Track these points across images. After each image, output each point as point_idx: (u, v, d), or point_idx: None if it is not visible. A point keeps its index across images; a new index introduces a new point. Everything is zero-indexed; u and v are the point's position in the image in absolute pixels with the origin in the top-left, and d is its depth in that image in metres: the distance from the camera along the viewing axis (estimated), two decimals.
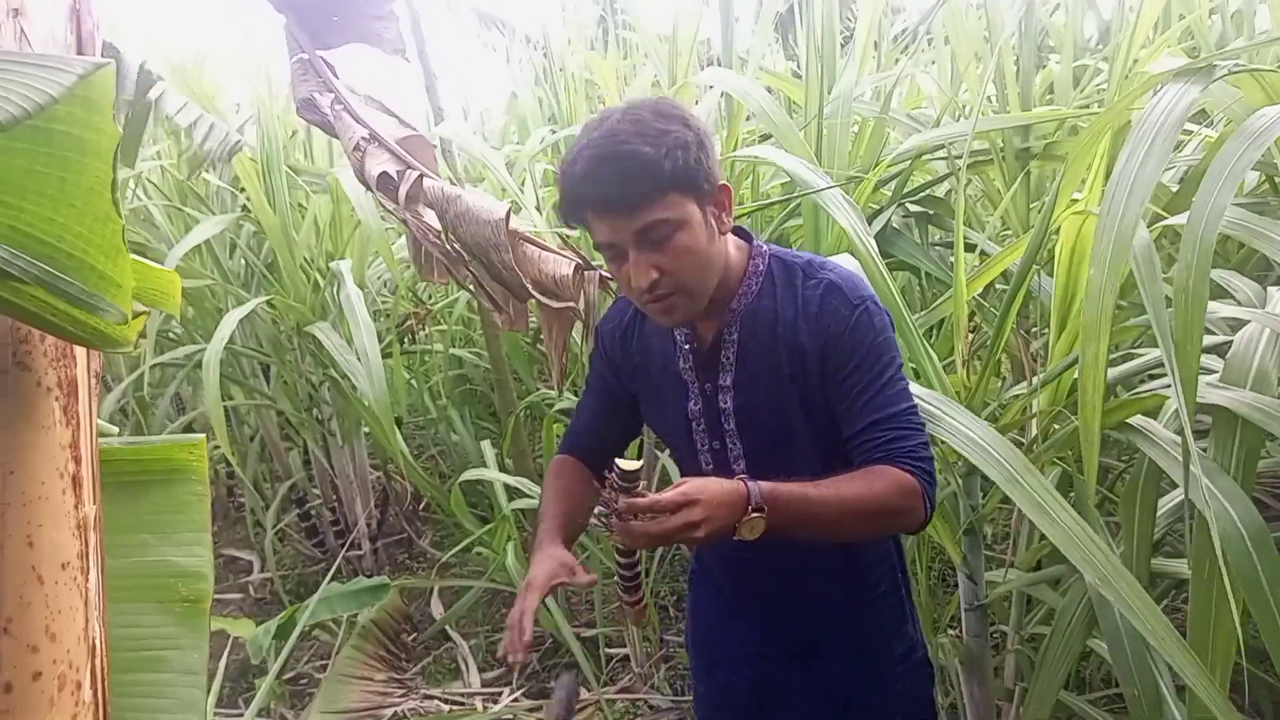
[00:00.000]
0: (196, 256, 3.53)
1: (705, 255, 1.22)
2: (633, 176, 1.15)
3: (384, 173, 1.69)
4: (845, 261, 1.68)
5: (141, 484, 0.75)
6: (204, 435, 0.66)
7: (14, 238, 0.62)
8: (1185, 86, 1.16)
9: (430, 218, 1.66)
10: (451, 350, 4.34)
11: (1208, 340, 1.67)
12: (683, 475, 1.48)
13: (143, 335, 3.52)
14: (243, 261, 3.77)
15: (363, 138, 1.72)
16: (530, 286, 1.73)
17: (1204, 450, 1.32)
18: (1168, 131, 1.13)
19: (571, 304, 1.68)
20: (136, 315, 0.71)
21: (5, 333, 0.74)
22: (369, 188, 1.70)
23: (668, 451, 2.31)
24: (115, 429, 0.95)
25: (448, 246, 1.74)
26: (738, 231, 1.37)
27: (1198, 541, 1.18)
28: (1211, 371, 1.61)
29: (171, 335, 4.03)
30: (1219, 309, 1.62)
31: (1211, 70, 1.20)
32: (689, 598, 1.70)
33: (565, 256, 1.74)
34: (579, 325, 1.77)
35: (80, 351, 0.78)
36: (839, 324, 1.25)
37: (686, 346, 1.37)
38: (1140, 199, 1.13)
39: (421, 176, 1.69)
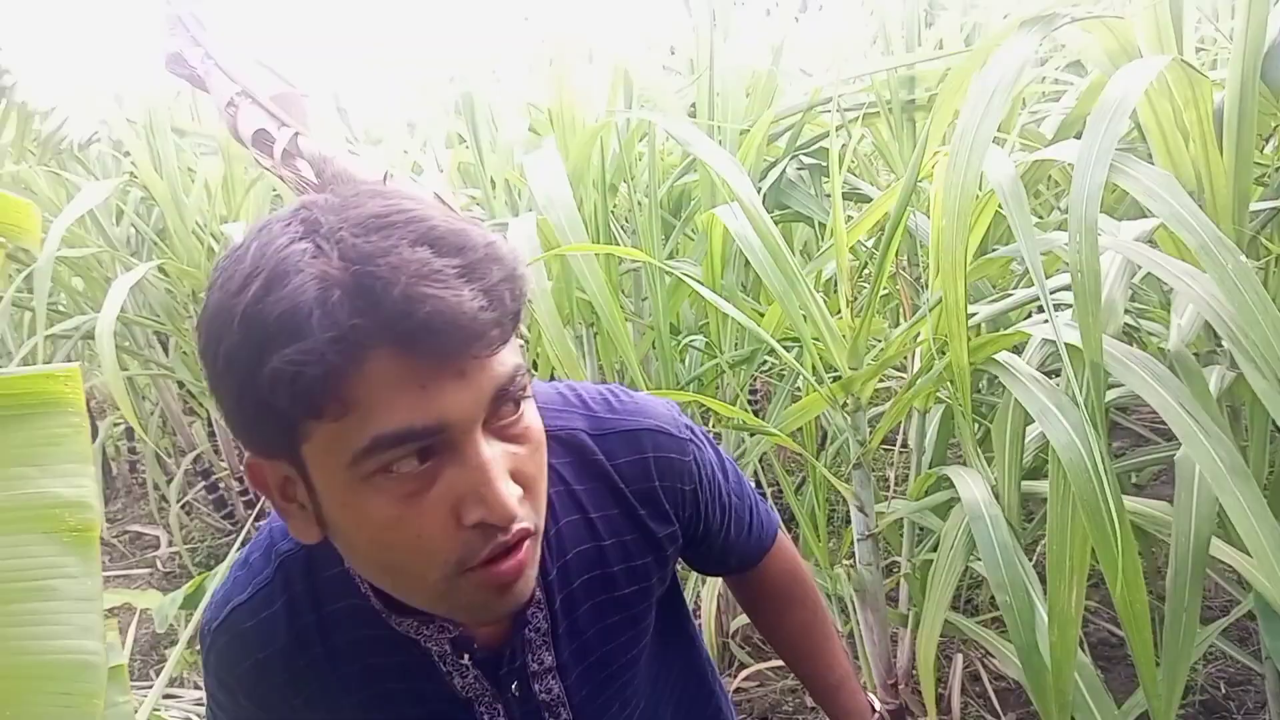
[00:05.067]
0: (80, 225, 3.40)
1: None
2: (504, 285, 0.60)
3: (261, 129, 1.67)
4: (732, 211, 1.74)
5: (15, 417, 0.73)
6: (78, 365, 0.65)
7: None
8: (1028, 36, 1.24)
9: (308, 172, 1.66)
10: None
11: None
12: None
13: (30, 309, 3.39)
14: (131, 229, 3.64)
15: (236, 94, 1.70)
16: None
17: (1057, 384, 1.41)
18: (1007, 82, 1.21)
19: None
20: None
21: None
22: (244, 144, 1.69)
23: None
24: None
25: None
26: None
27: (1053, 468, 1.28)
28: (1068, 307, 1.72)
29: (60, 309, 3.89)
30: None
31: (1054, 18, 1.27)
32: None
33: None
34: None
35: None
36: (688, 477, 0.88)
37: (464, 658, 0.79)
38: (981, 153, 1.20)
39: (298, 135, 1.68)
